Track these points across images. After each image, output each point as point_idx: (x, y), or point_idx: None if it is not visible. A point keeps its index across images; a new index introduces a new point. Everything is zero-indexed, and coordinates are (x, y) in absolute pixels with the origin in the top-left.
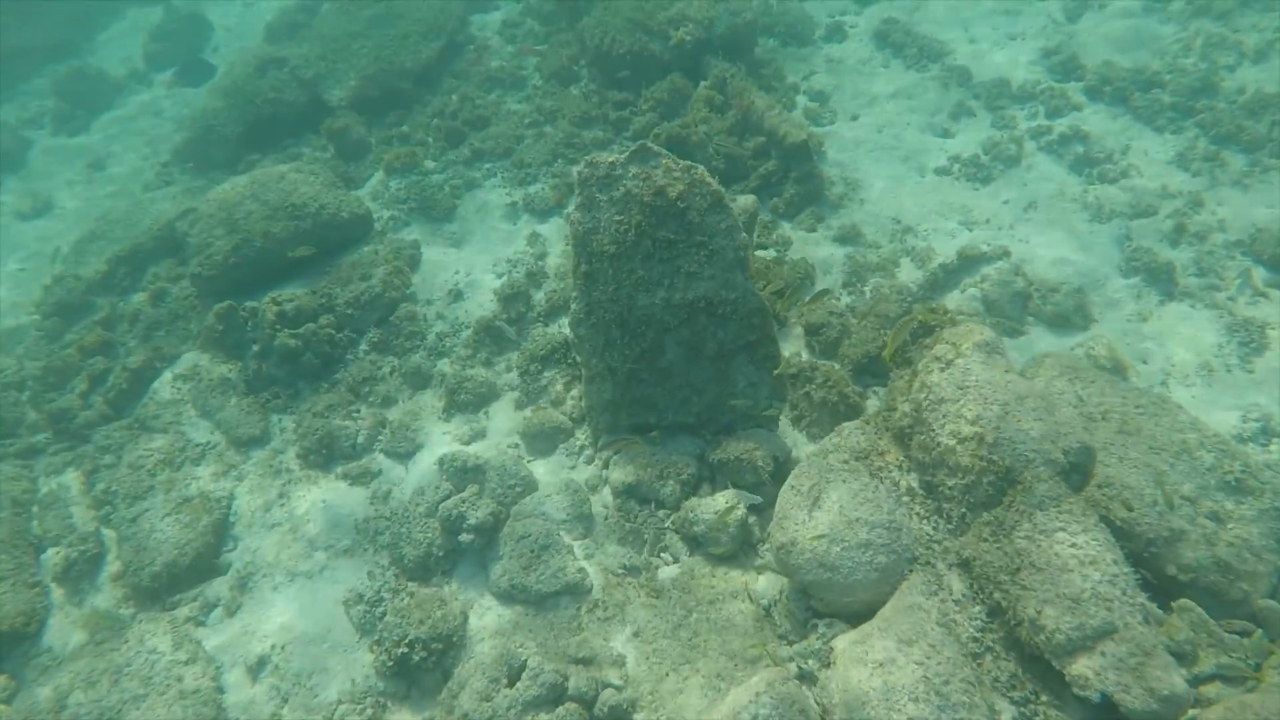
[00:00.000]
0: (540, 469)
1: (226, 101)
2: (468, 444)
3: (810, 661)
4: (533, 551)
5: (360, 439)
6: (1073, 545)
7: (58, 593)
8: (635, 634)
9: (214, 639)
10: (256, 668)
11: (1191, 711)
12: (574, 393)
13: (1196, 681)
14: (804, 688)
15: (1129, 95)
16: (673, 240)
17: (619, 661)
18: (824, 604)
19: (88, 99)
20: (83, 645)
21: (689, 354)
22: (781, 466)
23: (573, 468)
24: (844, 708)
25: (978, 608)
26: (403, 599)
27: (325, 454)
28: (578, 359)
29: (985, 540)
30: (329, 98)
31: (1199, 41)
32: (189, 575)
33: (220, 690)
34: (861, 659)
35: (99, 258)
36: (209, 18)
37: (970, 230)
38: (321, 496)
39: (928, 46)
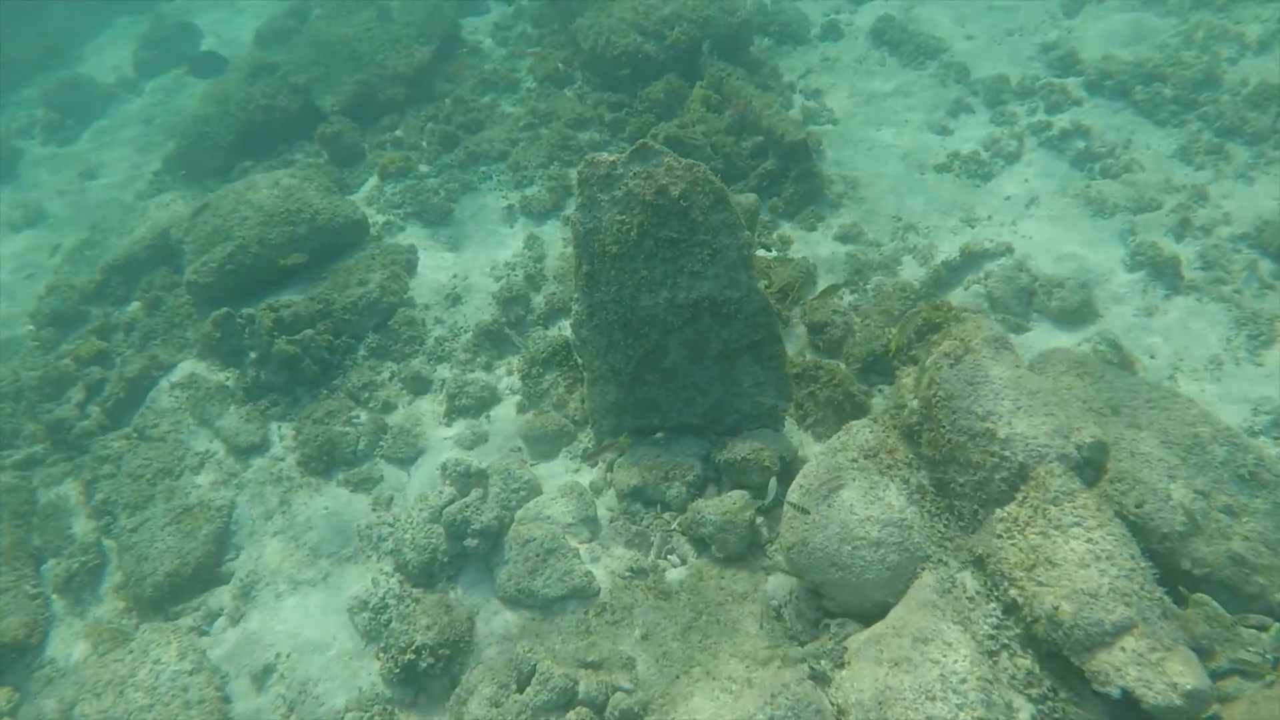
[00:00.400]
0: (544, 472)
1: (218, 108)
2: (470, 449)
3: (823, 662)
4: (538, 555)
5: (361, 445)
6: (1089, 541)
7: (59, 604)
8: (644, 637)
9: (218, 649)
10: (262, 677)
11: (1214, 707)
12: (576, 395)
13: (1214, 677)
14: (818, 688)
15: (1130, 89)
16: (675, 239)
17: (629, 665)
18: (836, 604)
19: (78, 108)
20: (86, 657)
21: (693, 354)
22: (788, 466)
23: (577, 471)
24: (859, 708)
25: (992, 605)
26: (408, 605)
27: (326, 461)
28: (579, 361)
29: (999, 537)
30: (321, 103)
31: (1200, 34)
32: (191, 585)
33: (226, 700)
34: (876, 658)
35: (92, 266)
36: (198, 24)
37: (972, 227)
38: (323, 503)
39: (925, 44)
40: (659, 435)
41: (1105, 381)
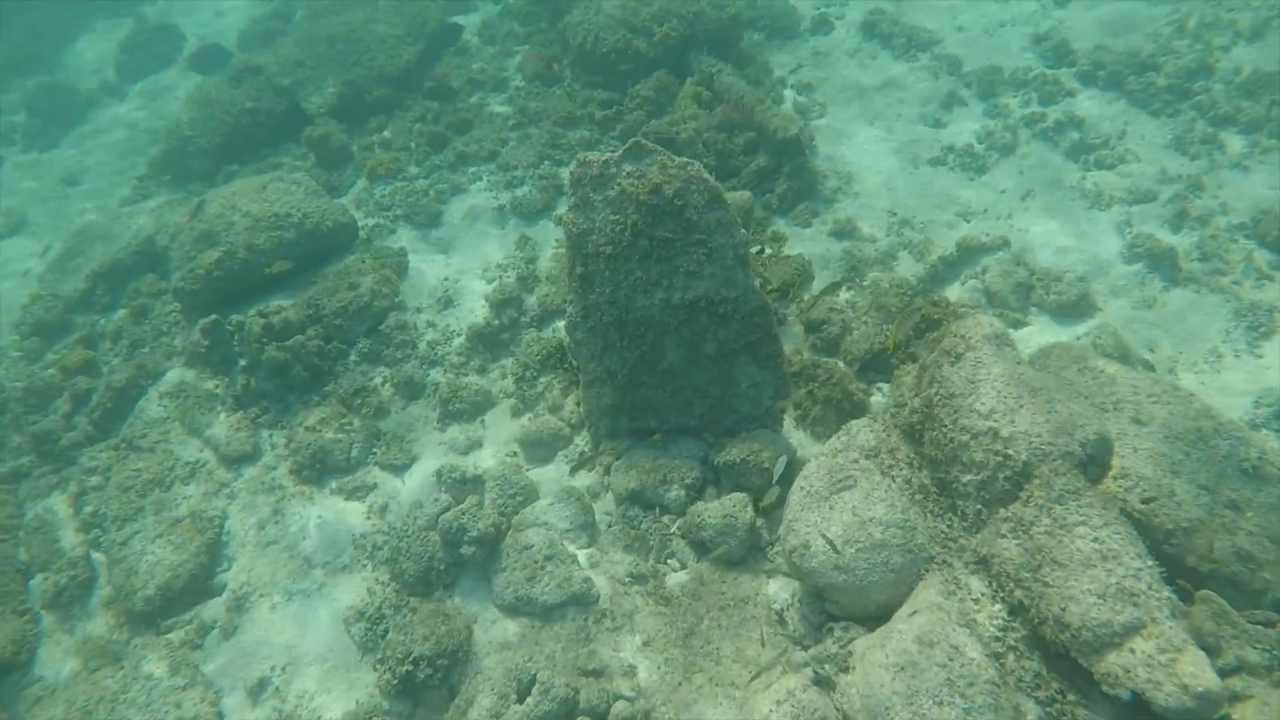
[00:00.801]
0: (540, 477)
1: (202, 112)
2: (465, 454)
3: (828, 666)
4: (536, 562)
5: (354, 452)
6: (1095, 540)
7: (48, 620)
8: (645, 643)
9: (212, 662)
10: (257, 690)
11: (1225, 707)
12: (572, 398)
13: (1222, 675)
14: (823, 694)
15: (1123, 79)
16: (670, 239)
17: (630, 672)
18: (839, 607)
19: (58, 113)
20: (76, 673)
21: (690, 355)
22: (788, 467)
23: (573, 475)
24: (866, 713)
25: (998, 606)
26: (405, 615)
27: (319, 469)
28: (575, 363)
29: (1004, 537)
30: (308, 105)
31: (1192, 22)
32: (183, 598)
33: (220, 715)
34: (882, 663)
35: (77, 275)
36: (180, 27)
37: (968, 221)
38: (317, 512)
39: (916, 36)
40: (656, 436)
41: (1107, 376)
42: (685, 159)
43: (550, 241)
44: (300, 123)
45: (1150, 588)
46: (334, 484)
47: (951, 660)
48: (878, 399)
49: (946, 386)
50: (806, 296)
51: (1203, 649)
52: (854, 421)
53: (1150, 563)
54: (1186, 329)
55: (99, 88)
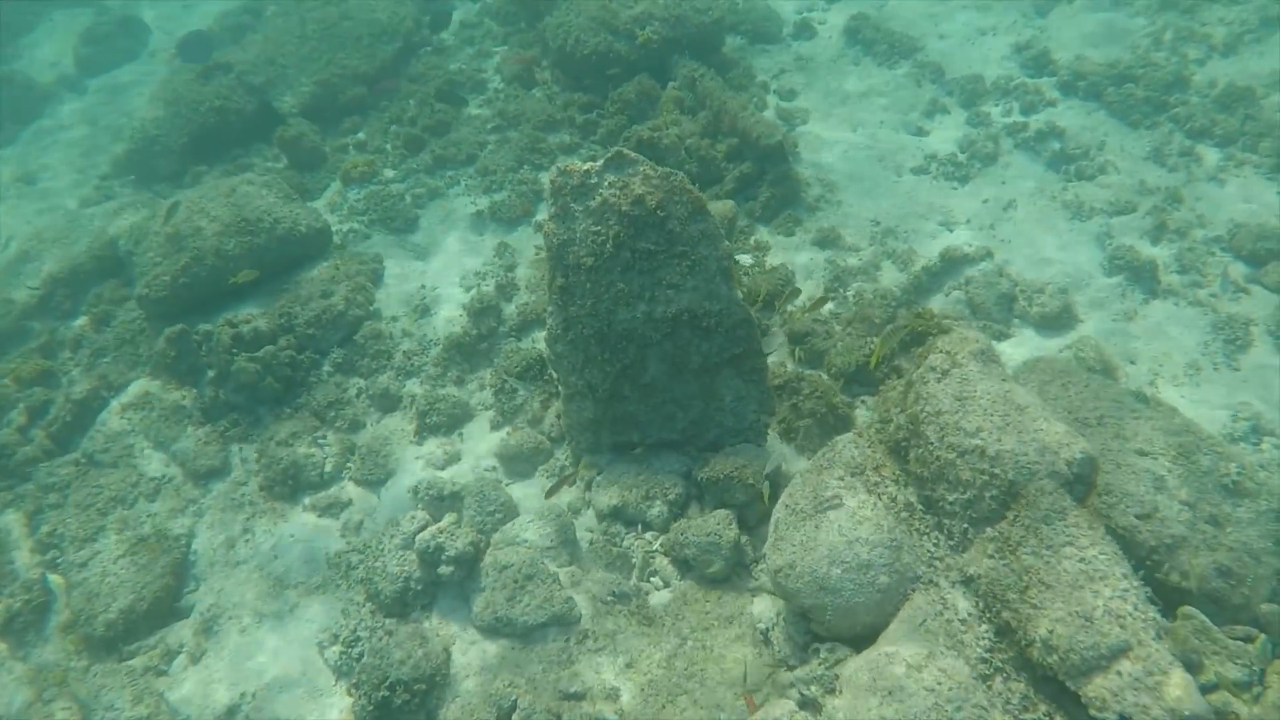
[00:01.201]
0: (520, 492)
1: (169, 110)
2: (442, 469)
3: (814, 688)
4: (516, 582)
5: (328, 467)
6: (1081, 560)
7: (0, 647)
8: (628, 665)
9: (178, 689)
10: (226, 718)
11: None
12: (552, 411)
13: (1204, 691)
14: (810, 716)
15: (1102, 90)
16: (653, 251)
17: (613, 695)
18: (825, 627)
19: (14, 108)
20: (29, 704)
21: (673, 369)
22: (772, 481)
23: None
24: None
25: (984, 627)
26: (381, 637)
27: (291, 484)
28: (555, 376)
29: (990, 557)
30: (280, 105)
31: (1168, 35)
32: (147, 621)
33: None
34: (870, 687)
35: (34, 279)
36: (144, 19)
37: (951, 231)
38: (289, 530)
39: (899, 43)
40: (638, 450)
41: (1090, 391)
42: (668, 169)
43: (529, 248)
44: (272, 122)
45: (1136, 608)
46: (307, 500)
47: (939, 684)
48: (862, 412)
49: (933, 404)
50: (791, 308)
51: (1185, 664)
52: (839, 437)
53: (1136, 583)
54: (1166, 341)
55: (58, 81)
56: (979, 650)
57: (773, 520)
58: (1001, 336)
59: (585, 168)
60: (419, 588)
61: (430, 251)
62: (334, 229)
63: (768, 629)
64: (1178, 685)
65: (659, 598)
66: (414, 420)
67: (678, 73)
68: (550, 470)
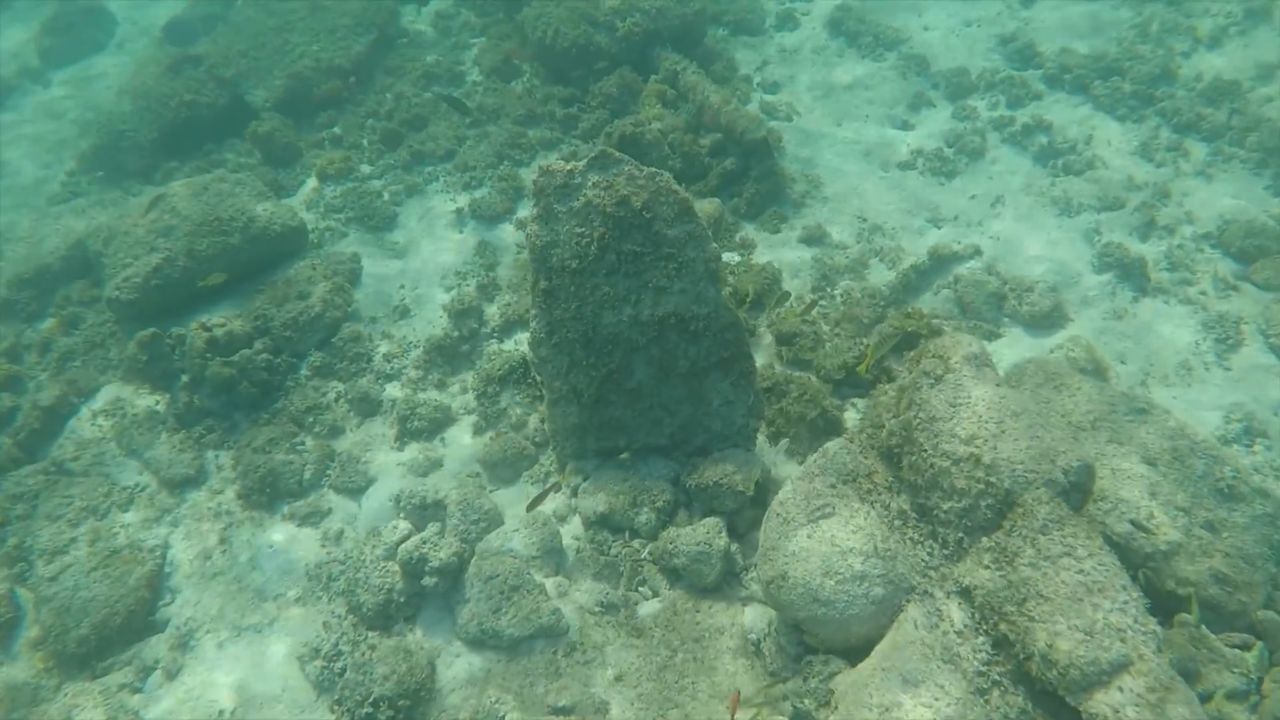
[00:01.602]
0: (504, 499)
1: (137, 104)
2: (424, 475)
3: (808, 701)
4: (502, 592)
5: (307, 474)
6: (1080, 572)
7: None
8: (618, 678)
9: (153, 707)
10: None
11: None
12: (536, 415)
13: (1202, 700)
14: None
15: (1089, 83)
16: (639, 253)
17: (602, 709)
18: (818, 640)
19: None
20: None
21: (659, 373)
22: (761, 488)
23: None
24: None
25: (981, 639)
26: (363, 651)
27: (269, 493)
28: (538, 379)
29: (987, 568)
30: (252, 98)
31: (1154, 27)
32: (121, 636)
33: None
34: (866, 703)
35: None
36: (110, 9)
37: (938, 228)
38: (267, 540)
39: (883, 34)
40: (624, 455)
41: (1084, 394)
42: (654, 169)
43: (510, 246)
44: (244, 117)
45: (1137, 621)
46: (285, 509)
47: (937, 700)
48: (852, 415)
49: (926, 410)
50: (780, 311)
51: (1182, 675)
52: (830, 443)
53: (1136, 594)
54: (1156, 341)
55: (19, 73)
56: (975, 663)
57: (763, 528)
58: (992, 336)
59: (569, 167)
60: (402, 599)
61: (409, 250)
62: (310, 227)
63: (759, 640)
64: (1181, 701)
65: (648, 608)
66: (394, 425)
67: (660, 66)
68: (535, 476)
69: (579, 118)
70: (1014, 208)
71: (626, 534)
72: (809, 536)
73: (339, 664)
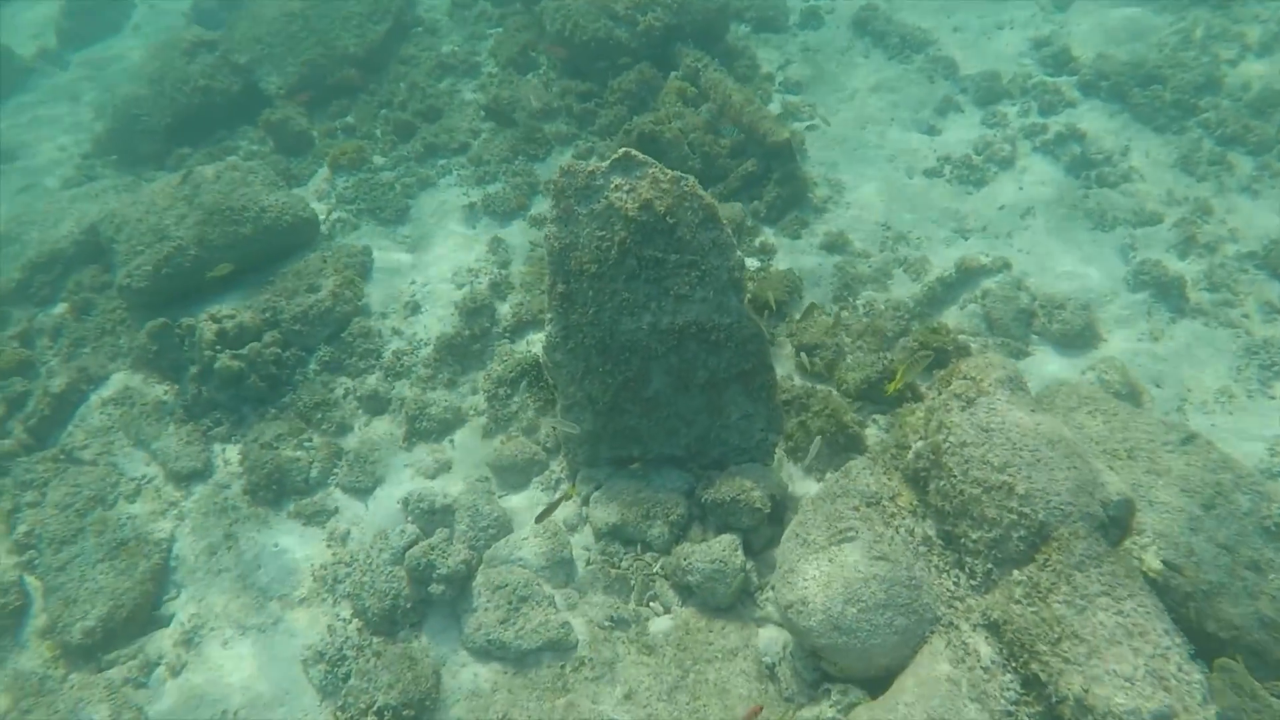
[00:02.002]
0: (514, 505)
1: (152, 89)
2: (432, 478)
3: None
4: (510, 603)
5: (314, 472)
6: (1119, 613)
7: None
8: (627, 696)
9: (157, 704)
10: None
11: None
12: (548, 419)
13: None
14: None
15: (1127, 91)
16: (661, 259)
17: None
18: (837, 668)
19: None
20: (5, 712)
21: (677, 383)
22: (779, 505)
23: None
24: None
25: (1009, 676)
26: (368, 658)
27: (275, 489)
28: (552, 383)
29: (1018, 602)
30: (266, 86)
31: (1199, 33)
32: (126, 629)
33: None
34: None
35: (13, 264)
36: None
37: (965, 239)
38: (273, 538)
39: (910, 36)
40: (635, 465)
41: (1119, 420)
42: (679, 174)
43: (524, 244)
44: (258, 104)
45: (1181, 669)
46: (292, 507)
47: None
48: (874, 431)
49: (956, 433)
50: (805, 324)
51: None
52: (853, 462)
53: (1179, 639)
54: (1195, 365)
55: (39, 54)
56: (1003, 702)
57: (782, 549)
58: (1020, 355)
59: (591, 168)
60: (408, 605)
61: (421, 245)
62: (322, 218)
63: (774, 664)
64: None
65: (660, 624)
66: (403, 425)
67: (680, 62)
68: (545, 483)
69: (596, 113)
70: (1045, 220)
71: (639, 547)
72: (831, 560)
73: (343, 669)
